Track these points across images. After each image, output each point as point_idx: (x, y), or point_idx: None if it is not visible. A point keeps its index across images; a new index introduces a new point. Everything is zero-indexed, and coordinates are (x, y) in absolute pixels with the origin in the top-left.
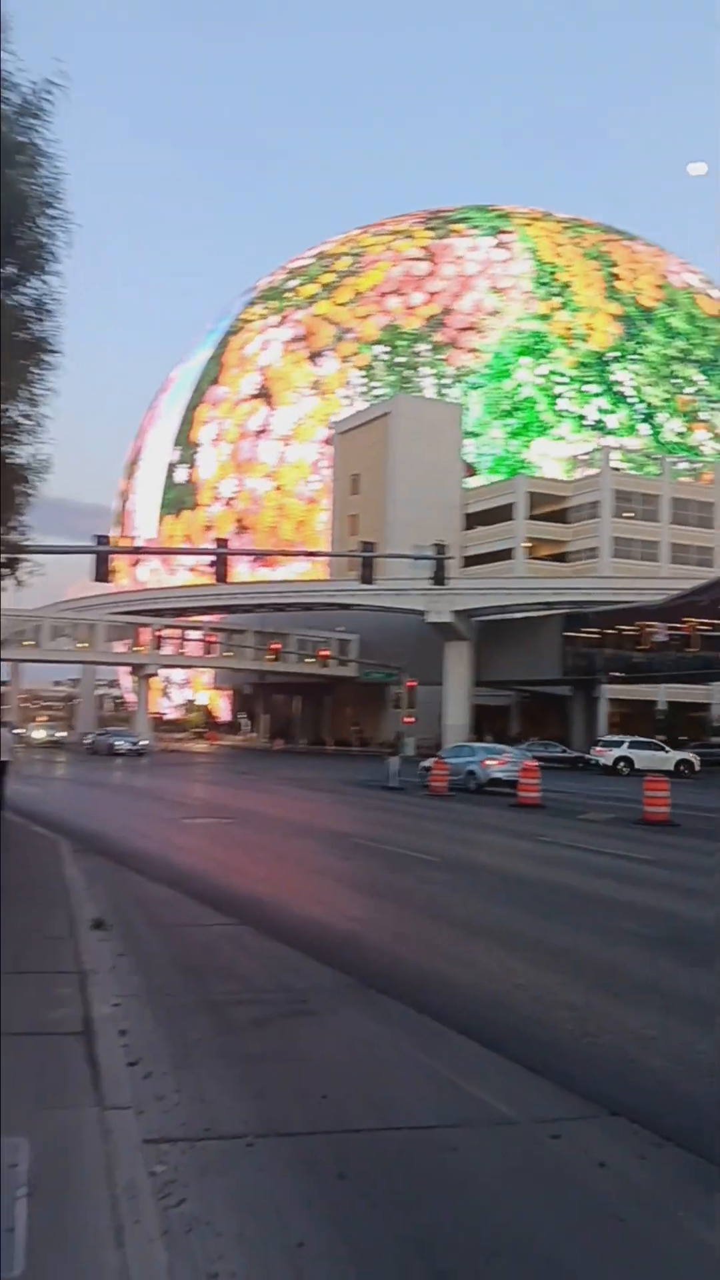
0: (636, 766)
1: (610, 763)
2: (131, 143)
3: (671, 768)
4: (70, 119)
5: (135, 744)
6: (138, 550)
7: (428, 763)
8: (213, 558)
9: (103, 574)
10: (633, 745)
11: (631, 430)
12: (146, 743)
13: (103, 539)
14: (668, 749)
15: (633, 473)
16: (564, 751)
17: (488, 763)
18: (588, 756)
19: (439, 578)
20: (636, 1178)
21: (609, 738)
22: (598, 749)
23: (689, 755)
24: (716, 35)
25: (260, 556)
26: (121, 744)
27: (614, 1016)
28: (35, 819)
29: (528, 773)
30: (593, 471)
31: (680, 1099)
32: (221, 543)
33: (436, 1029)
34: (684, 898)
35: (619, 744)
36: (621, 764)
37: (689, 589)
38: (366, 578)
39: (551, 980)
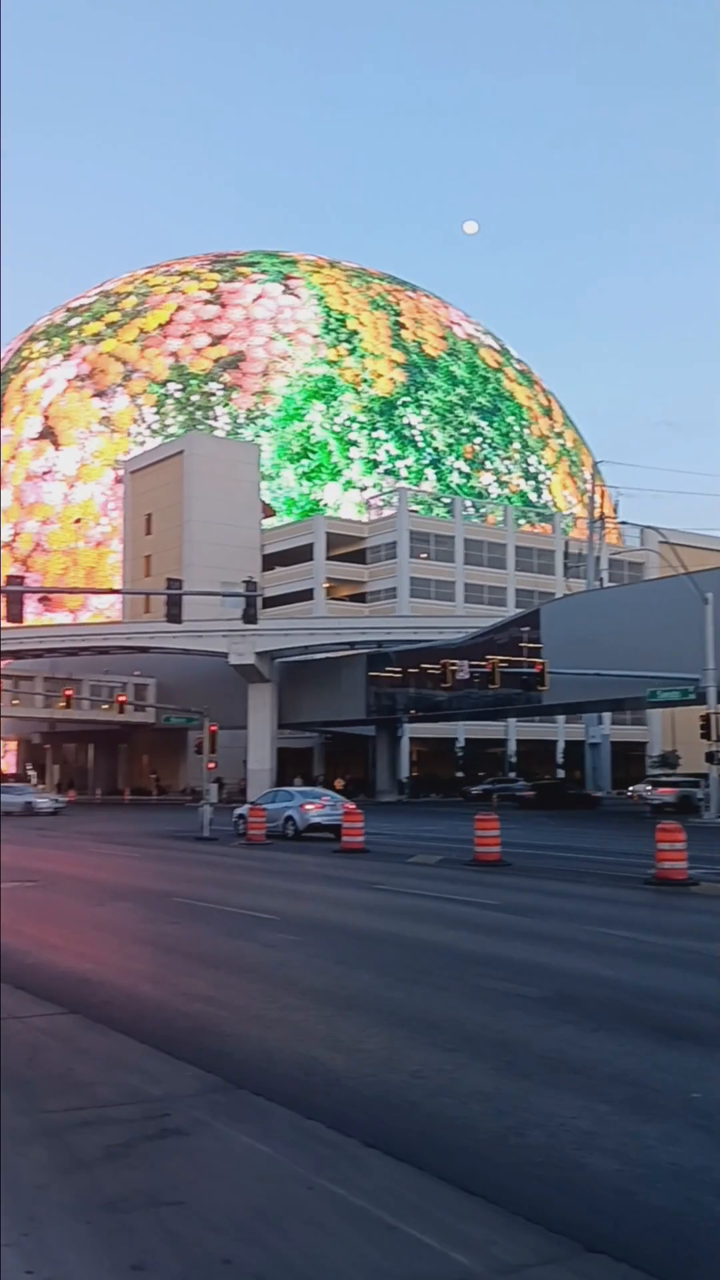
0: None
1: (675, 801)
2: None
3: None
4: None
5: (57, 802)
6: None
7: (242, 809)
8: (9, 599)
9: None
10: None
11: (420, 475)
12: (62, 802)
13: None
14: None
15: (426, 515)
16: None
17: (307, 807)
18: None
19: (250, 615)
20: None
21: (658, 775)
22: (661, 789)
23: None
24: (488, 93)
25: (57, 594)
26: (44, 803)
27: (533, 1105)
28: None
29: (350, 816)
30: (389, 513)
31: (654, 1216)
32: (15, 580)
33: (335, 1141)
34: (552, 948)
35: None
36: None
37: (488, 627)
38: (174, 616)
39: (447, 1062)
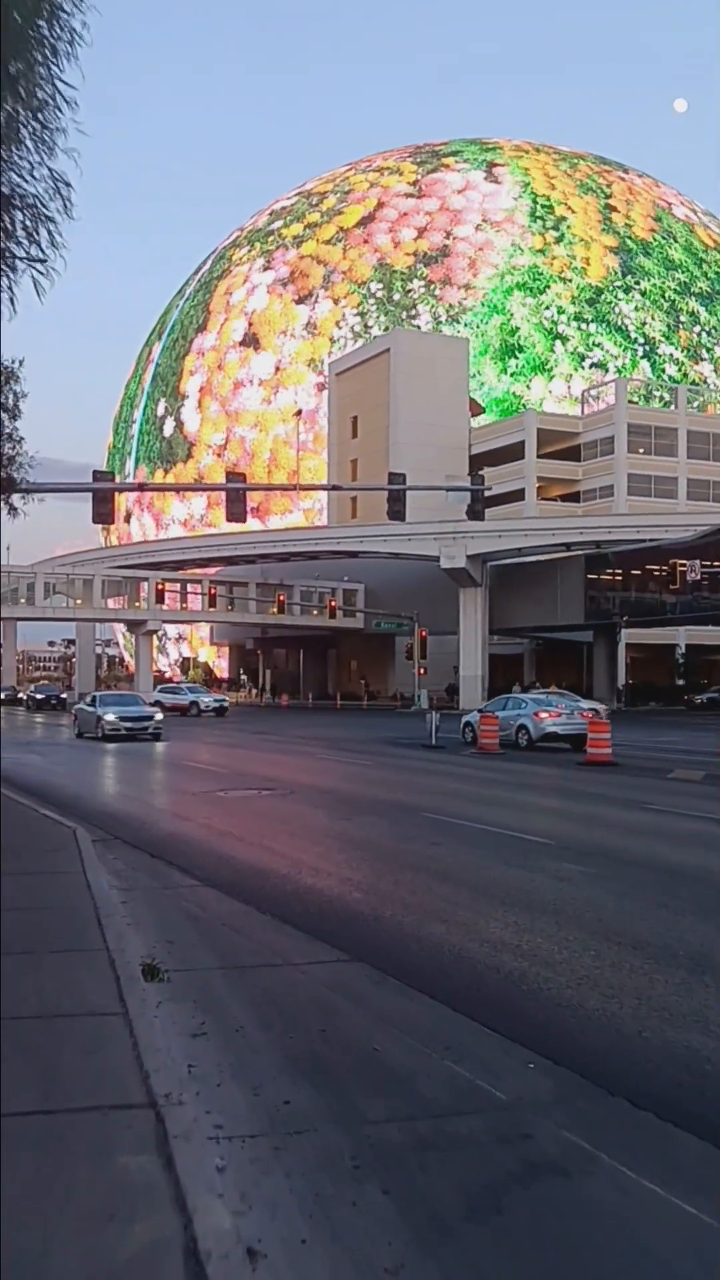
0: None
1: None
2: (116, 78)
3: None
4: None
5: (220, 703)
6: (142, 487)
7: (470, 717)
8: (229, 499)
9: (103, 514)
10: None
11: (633, 366)
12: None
13: (103, 475)
14: None
15: (644, 407)
16: None
17: (541, 716)
18: None
19: (477, 511)
20: None
21: None
22: None
23: None
24: None
25: (273, 491)
26: (207, 701)
27: None
28: (42, 797)
29: (596, 726)
30: (602, 406)
31: None
32: (236, 477)
33: None
34: None
35: None
36: None
37: None
38: (397, 513)
39: None
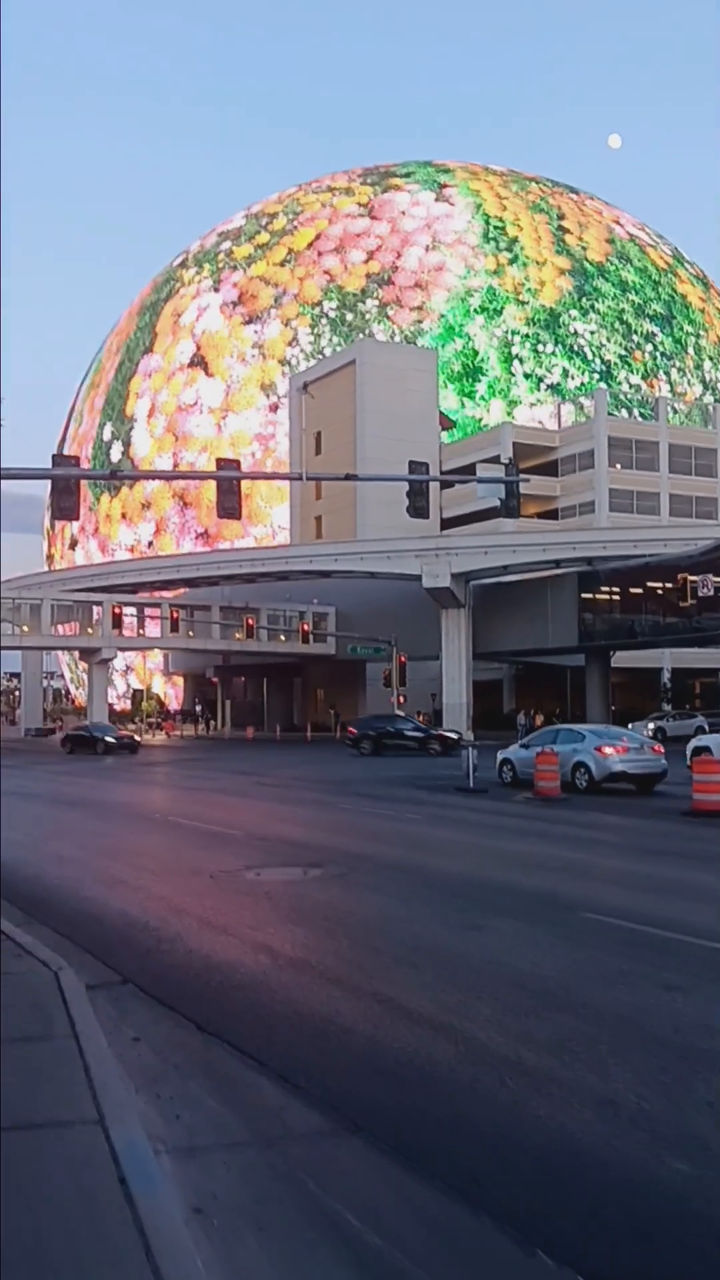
0: None
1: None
2: (56, 94)
3: None
4: None
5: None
6: (114, 475)
7: (509, 752)
8: (221, 490)
9: (66, 508)
10: None
11: (591, 387)
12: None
13: (65, 459)
14: None
15: (624, 419)
16: None
17: (606, 751)
18: None
19: (511, 507)
20: None
21: None
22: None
23: None
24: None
25: (278, 479)
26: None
27: None
28: None
29: (706, 766)
30: (567, 422)
31: None
32: (229, 464)
33: None
34: None
35: None
36: None
37: None
38: (421, 510)
39: None
